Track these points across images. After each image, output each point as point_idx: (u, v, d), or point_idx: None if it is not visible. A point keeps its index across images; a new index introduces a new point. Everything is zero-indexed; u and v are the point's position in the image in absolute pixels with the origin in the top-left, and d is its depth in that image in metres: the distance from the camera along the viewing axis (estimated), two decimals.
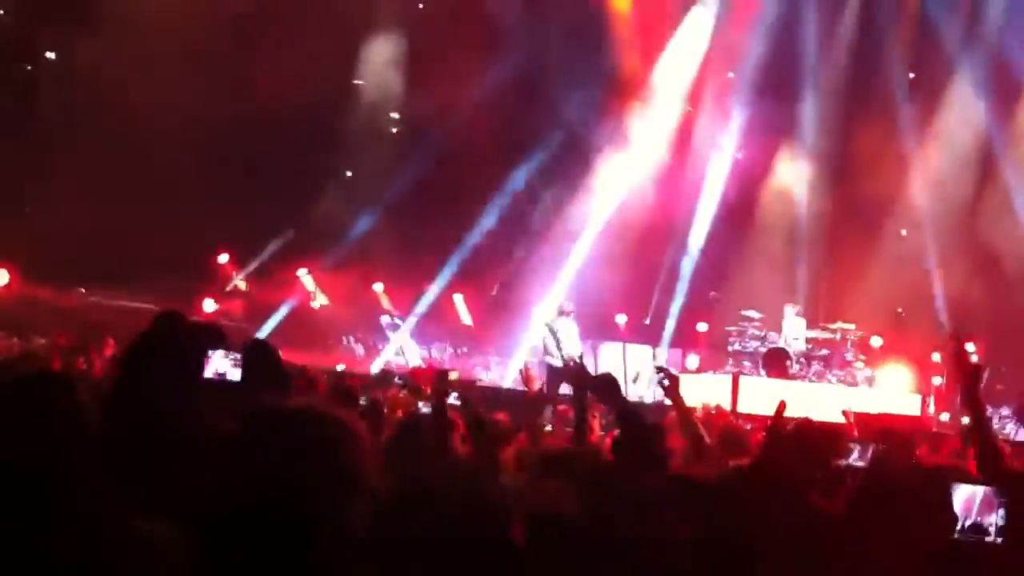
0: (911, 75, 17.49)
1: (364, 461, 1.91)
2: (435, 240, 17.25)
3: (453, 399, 5.00)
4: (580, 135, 17.63)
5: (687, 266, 17.89)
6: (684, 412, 4.50)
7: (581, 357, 6.27)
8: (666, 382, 4.64)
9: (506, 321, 16.89)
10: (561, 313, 13.12)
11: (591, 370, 5.11)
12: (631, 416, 3.88)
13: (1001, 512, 2.03)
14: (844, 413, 10.83)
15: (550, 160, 17.77)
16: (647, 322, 18.17)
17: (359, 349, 17.58)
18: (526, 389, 6.29)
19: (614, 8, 17.60)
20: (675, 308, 17.72)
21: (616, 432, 4.22)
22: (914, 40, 17.57)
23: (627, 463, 3.63)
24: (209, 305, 15.70)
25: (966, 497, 2.08)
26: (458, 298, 18.15)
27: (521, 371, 6.57)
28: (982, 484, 2.05)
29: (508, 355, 16.80)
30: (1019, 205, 16.49)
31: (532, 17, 17.04)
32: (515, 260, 18.03)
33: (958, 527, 2.01)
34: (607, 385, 4.29)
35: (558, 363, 12.04)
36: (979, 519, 2.05)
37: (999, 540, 2.02)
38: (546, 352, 12.63)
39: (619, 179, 17.69)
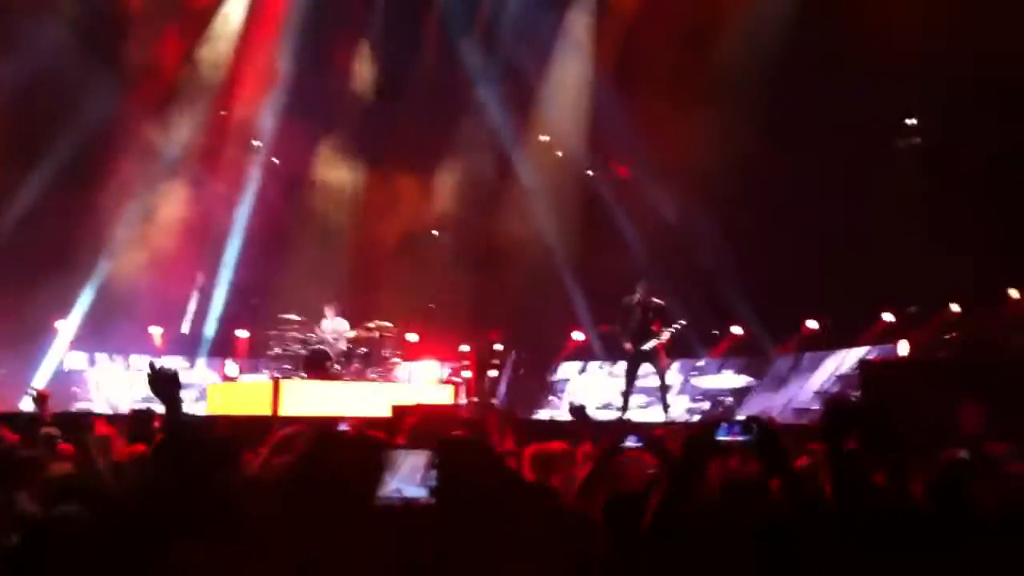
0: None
1: None
2: None
3: None
4: (101, 136, 16.51)
5: (225, 272, 17.47)
6: None
7: None
8: None
9: None
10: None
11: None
12: None
13: (433, 474, 2.11)
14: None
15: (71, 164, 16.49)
16: (184, 332, 17.58)
17: None
18: None
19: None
20: (213, 316, 17.27)
21: None
22: (439, 51, 18.43)
23: None
24: None
25: (409, 463, 2.13)
26: None
27: None
28: (420, 450, 2.12)
29: None
30: (532, 210, 17.93)
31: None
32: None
33: (392, 489, 2.08)
34: None
35: None
36: (419, 482, 2.11)
37: (432, 500, 2.10)
38: None
39: (147, 183, 16.88)
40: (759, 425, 3.59)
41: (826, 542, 3.26)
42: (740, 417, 5.42)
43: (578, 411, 5.77)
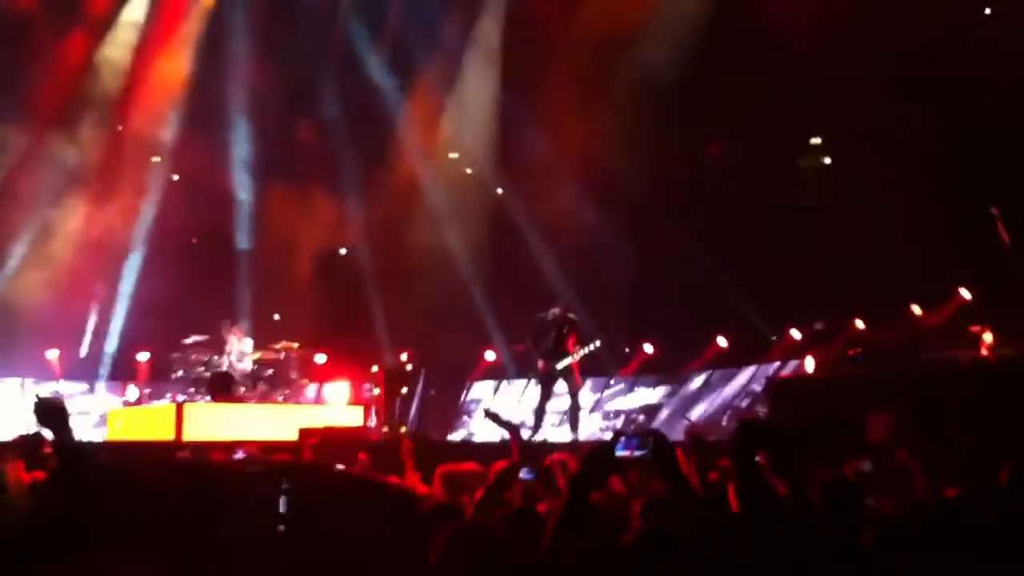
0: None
1: None
2: None
3: None
4: None
5: (126, 291, 16.96)
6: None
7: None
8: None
9: None
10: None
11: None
12: None
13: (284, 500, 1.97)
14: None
15: None
16: (83, 355, 17.01)
17: None
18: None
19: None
20: (114, 337, 16.76)
21: None
22: (346, 65, 18.15)
23: None
24: None
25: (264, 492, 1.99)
26: None
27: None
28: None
29: None
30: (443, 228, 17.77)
31: None
32: None
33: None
34: None
35: None
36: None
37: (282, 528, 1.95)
38: None
39: (45, 196, 16.33)
40: (655, 439, 3.55)
41: (730, 551, 3.24)
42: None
43: (495, 417, 5.65)
